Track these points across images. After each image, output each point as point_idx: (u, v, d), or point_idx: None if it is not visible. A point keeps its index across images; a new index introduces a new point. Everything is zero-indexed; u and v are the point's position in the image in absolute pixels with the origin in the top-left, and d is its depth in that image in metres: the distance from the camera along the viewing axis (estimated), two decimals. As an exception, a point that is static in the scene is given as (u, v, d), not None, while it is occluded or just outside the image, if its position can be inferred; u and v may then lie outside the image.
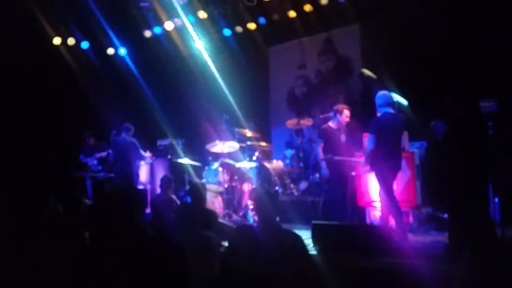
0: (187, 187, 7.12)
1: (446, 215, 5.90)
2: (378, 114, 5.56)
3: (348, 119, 6.43)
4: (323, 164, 6.30)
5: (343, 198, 6.31)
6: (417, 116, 6.78)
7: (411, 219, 6.11)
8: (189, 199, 6.99)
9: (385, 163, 5.33)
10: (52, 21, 9.24)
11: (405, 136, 6.23)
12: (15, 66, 8.70)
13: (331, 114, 6.55)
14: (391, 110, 5.52)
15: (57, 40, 9.72)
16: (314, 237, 5.10)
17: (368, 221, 6.37)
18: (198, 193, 4.74)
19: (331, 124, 6.49)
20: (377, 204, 5.94)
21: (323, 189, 6.62)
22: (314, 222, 5.29)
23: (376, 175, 5.47)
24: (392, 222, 5.54)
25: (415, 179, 6.11)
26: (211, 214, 4.47)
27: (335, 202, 6.25)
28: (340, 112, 6.41)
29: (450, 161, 5.10)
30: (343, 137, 6.43)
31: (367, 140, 5.49)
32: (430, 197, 6.24)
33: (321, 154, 6.34)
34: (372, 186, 6.16)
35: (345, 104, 8.68)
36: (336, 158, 6.10)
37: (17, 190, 6.57)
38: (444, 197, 5.84)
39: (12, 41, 8.55)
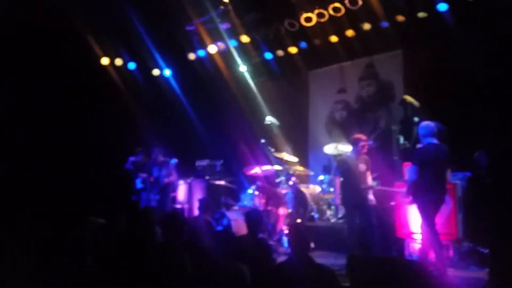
0: (225, 215, 7.17)
1: (487, 250, 5.68)
2: (420, 145, 5.46)
3: (365, 150, 6.45)
4: (337, 194, 6.49)
5: (381, 229, 6.19)
6: (459, 146, 6.62)
7: (451, 252, 5.90)
8: (225, 222, 7.08)
9: (428, 195, 5.20)
10: (101, 42, 9.64)
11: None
12: (64, 85, 9.10)
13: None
14: (434, 141, 5.40)
15: (105, 61, 10.12)
16: (349, 269, 4.99)
17: (407, 253, 6.19)
18: (254, 221, 4.71)
19: (349, 154, 6.54)
20: (417, 236, 5.79)
21: (360, 218, 6.51)
22: (350, 253, 5.18)
23: (418, 207, 5.34)
24: (432, 255, 5.38)
25: (457, 212, 5.91)
26: (266, 245, 4.47)
27: (373, 233, 6.13)
28: (356, 143, 6.42)
29: (494, 195, 4.94)
30: (362, 167, 6.40)
31: (409, 170, 5.39)
32: (471, 231, 6.02)
33: (337, 185, 6.47)
34: (412, 217, 6.00)
35: (385, 130, 8.64)
36: (377, 188, 6.01)
37: (64, 207, 6.82)
38: (486, 232, 5.65)
39: (62, 60, 8.97)
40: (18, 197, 7.56)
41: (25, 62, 8.49)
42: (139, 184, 8.36)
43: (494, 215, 5.03)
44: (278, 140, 8.80)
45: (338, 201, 6.65)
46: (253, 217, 4.76)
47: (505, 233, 4.64)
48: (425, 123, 5.52)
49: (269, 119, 8.54)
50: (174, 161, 8.26)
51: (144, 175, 8.36)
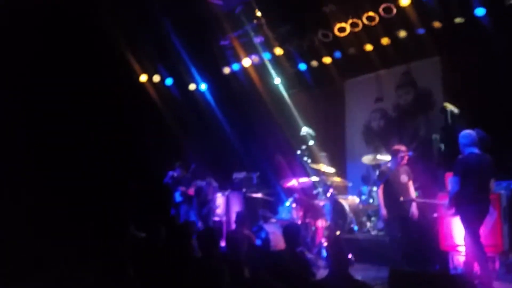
0: (263, 228, 7.17)
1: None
2: (462, 155, 5.30)
3: (405, 161, 6.38)
4: (382, 206, 6.35)
5: (424, 241, 6.03)
6: (503, 153, 6.39)
7: (497, 265, 5.66)
8: (263, 235, 7.08)
9: (472, 206, 5.04)
10: (140, 58, 9.92)
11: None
12: (103, 101, 9.39)
13: (410, 153, 6.36)
14: (476, 150, 5.23)
15: (143, 78, 10.39)
16: (391, 284, 4.88)
17: (451, 266, 6.00)
18: (293, 235, 4.69)
19: (389, 165, 6.49)
20: (461, 249, 5.60)
21: (402, 230, 6.36)
22: (392, 267, 5.07)
23: (461, 219, 5.18)
24: (477, 268, 5.19)
25: (502, 223, 5.68)
26: (304, 260, 4.45)
27: (415, 245, 5.98)
28: (396, 154, 6.38)
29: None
30: (403, 178, 6.35)
31: (451, 181, 5.23)
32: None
33: (380, 196, 6.36)
34: (456, 230, 5.81)
35: (425, 139, 8.44)
36: (418, 200, 5.88)
37: (107, 220, 7.01)
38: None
39: (102, 77, 9.27)
40: (63, 210, 7.85)
41: (67, 81, 8.82)
42: (178, 197, 8.51)
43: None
44: (315, 151, 8.76)
45: (383, 212, 6.47)
46: (291, 231, 4.74)
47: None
48: (466, 132, 5.35)
49: (305, 130, 8.52)
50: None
51: (183, 188, 8.50)
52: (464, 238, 5.27)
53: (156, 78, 10.49)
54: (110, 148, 9.59)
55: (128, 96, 9.93)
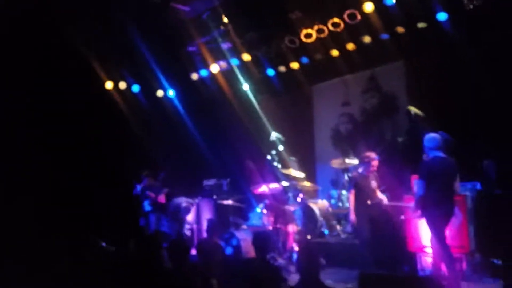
0: (234, 235, 7.15)
1: (500, 262, 5.60)
2: (427, 158, 5.41)
3: (375, 168, 6.61)
4: (351, 211, 6.59)
5: (392, 244, 6.14)
6: (467, 155, 6.57)
7: (464, 265, 5.81)
8: (234, 242, 7.05)
9: (437, 209, 5.15)
10: (105, 66, 9.73)
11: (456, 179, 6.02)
12: (68, 110, 9.16)
13: (376, 158, 6.49)
14: (441, 154, 5.36)
15: (109, 85, 10.20)
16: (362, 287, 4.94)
17: (419, 267, 6.12)
18: (263, 243, 4.68)
19: (360, 170, 6.66)
20: (429, 250, 5.72)
21: (371, 233, 6.46)
22: (361, 272, 5.13)
23: (428, 221, 5.29)
24: (444, 269, 5.31)
25: (468, 224, 5.84)
26: (275, 268, 4.44)
27: (384, 248, 6.08)
28: (366, 161, 6.63)
29: (504, 206, 4.88)
30: (373, 184, 6.59)
31: (417, 185, 5.34)
32: (484, 243, 5.93)
33: (351, 201, 6.58)
34: (423, 231, 5.94)
35: (391, 142, 8.61)
36: (385, 203, 5.99)
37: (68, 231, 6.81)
38: (499, 243, 5.58)
39: (66, 85, 9.04)
40: (27, 224, 7.60)
41: (29, 88, 8.56)
42: (147, 206, 8.39)
43: (505, 226, 4.97)
44: (285, 156, 8.80)
45: (352, 217, 6.63)
46: (260, 239, 4.73)
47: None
48: (431, 135, 5.47)
49: (274, 135, 8.55)
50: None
51: (152, 195, 8.39)
52: (431, 240, 5.39)
53: (122, 85, 10.32)
54: (75, 157, 9.36)
55: (94, 104, 9.72)
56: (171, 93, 10.62)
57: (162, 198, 8.65)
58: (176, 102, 10.62)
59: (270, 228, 7.47)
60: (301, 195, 7.86)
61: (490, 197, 5.88)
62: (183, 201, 8.45)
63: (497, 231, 5.46)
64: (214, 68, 9.72)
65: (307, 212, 7.77)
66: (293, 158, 8.75)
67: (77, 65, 8.99)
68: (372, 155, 6.62)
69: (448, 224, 5.29)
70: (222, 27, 8.88)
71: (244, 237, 7.24)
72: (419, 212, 5.37)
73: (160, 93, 10.63)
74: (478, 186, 6.51)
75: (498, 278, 5.27)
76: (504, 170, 6.24)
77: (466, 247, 5.78)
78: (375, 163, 6.53)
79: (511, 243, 5.29)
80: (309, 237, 7.59)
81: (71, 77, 8.98)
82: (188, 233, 8.50)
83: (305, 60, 9.18)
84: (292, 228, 7.61)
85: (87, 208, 9.06)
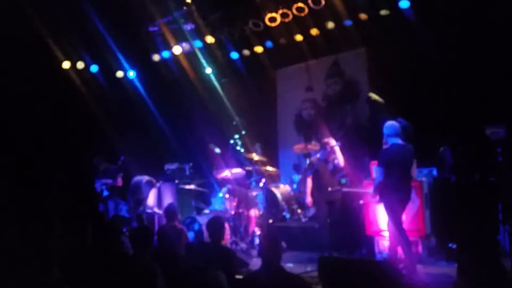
0: (196, 220, 7.11)
1: (455, 245, 5.83)
2: (386, 145, 5.52)
3: (334, 154, 6.73)
4: (308, 194, 6.82)
5: (351, 227, 6.27)
6: (424, 142, 6.75)
7: (420, 248, 6.02)
8: (196, 227, 7.02)
9: (395, 195, 5.29)
10: (62, 45, 9.35)
11: (413, 165, 6.18)
12: (24, 91, 8.79)
13: (338, 143, 6.57)
14: (399, 141, 5.47)
15: (66, 64, 9.83)
16: (320, 271, 5.02)
17: (377, 250, 6.29)
18: (217, 229, 4.66)
19: (319, 156, 6.80)
20: (386, 234, 5.88)
21: (330, 217, 6.57)
22: (321, 256, 5.22)
23: (385, 206, 5.42)
24: (401, 252, 5.47)
25: (424, 208, 6.04)
26: (229, 253, 4.43)
27: (343, 231, 6.21)
28: (325, 146, 6.75)
29: (458, 193, 5.06)
30: (330, 166, 6.72)
31: (376, 171, 5.45)
32: (439, 227, 6.16)
33: (309, 186, 6.77)
34: (380, 215, 6.09)
35: (352, 128, 8.74)
36: (345, 189, 6.08)
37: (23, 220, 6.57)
38: (453, 227, 5.79)
39: (22, 65, 8.66)
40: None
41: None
42: (104, 192, 8.20)
43: (459, 212, 5.15)
44: (247, 141, 8.78)
45: (308, 200, 6.76)
46: (212, 225, 4.71)
47: (470, 230, 4.76)
48: (390, 123, 5.58)
49: (237, 120, 8.51)
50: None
51: (109, 181, 8.19)
52: (388, 224, 5.53)
53: (80, 65, 9.97)
54: (31, 140, 9.02)
55: (50, 84, 9.36)
56: (131, 74, 10.33)
57: (119, 182, 8.46)
58: (137, 83, 10.35)
59: (233, 212, 7.48)
60: (263, 180, 7.88)
61: (446, 183, 6.07)
62: (144, 177, 8.26)
63: (452, 216, 5.65)
64: (177, 49, 9.50)
65: (269, 197, 7.81)
66: (257, 144, 8.75)
67: (33, 44, 8.61)
68: (331, 141, 6.68)
69: (405, 209, 5.45)
70: (184, 8, 8.66)
71: (205, 222, 7.21)
72: (377, 197, 5.50)
73: (120, 73, 10.32)
74: (435, 172, 6.73)
75: (453, 261, 5.48)
76: (459, 156, 6.45)
77: (422, 231, 5.98)
78: (334, 149, 6.60)
79: (465, 228, 5.49)
80: (271, 221, 7.65)
81: (26, 57, 8.60)
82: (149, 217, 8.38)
83: (269, 44, 9.11)
84: (254, 212, 7.64)
85: (43, 193, 8.78)
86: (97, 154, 8.99)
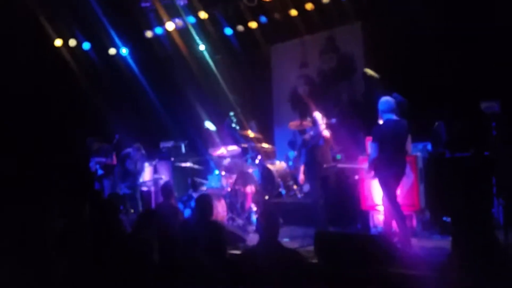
0: (193, 197, 7.14)
1: (449, 219, 5.90)
2: (381, 121, 5.52)
3: (324, 126, 6.49)
4: (300, 171, 6.61)
5: (346, 202, 6.33)
6: (419, 116, 6.76)
7: (414, 222, 6.08)
8: (193, 204, 7.05)
9: (389, 170, 5.31)
10: (54, 23, 9.22)
11: (408, 139, 6.20)
12: (16, 69, 8.70)
13: (333, 120, 6.55)
14: (394, 117, 5.48)
15: (58, 42, 9.70)
16: (317, 246, 5.10)
17: (372, 224, 6.36)
18: (205, 206, 4.69)
19: (311, 133, 6.61)
20: (381, 208, 5.94)
21: (325, 192, 6.62)
22: (317, 230, 5.29)
23: (380, 182, 5.45)
24: (395, 227, 5.54)
25: (419, 183, 6.08)
26: (218, 228, 4.45)
27: (338, 206, 6.27)
28: (316, 123, 6.53)
29: (452, 168, 5.09)
30: (321, 142, 6.48)
31: (370, 147, 5.47)
32: (433, 201, 6.22)
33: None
34: (375, 190, 6.14)
35: (348, 104, 8.72)
36: (340, 165, 6.10)
37: (19, 201, 6.59)
38: (447, 200, 5.86)
39: (13, 43, 8.54)
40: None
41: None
42: (99, 170, 8.19)
43: (454, 186, 5.21)
44: (242, 118, 8.76)
45: (301, 178, 6.71)
46: (199, 202, 4.73)
47: (465, 204, 4.81)
48: (384, 98, 5.57)
49: (231, 97, 8.47)
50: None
51: (103, 159, 8.18)
52: (382, 199, 5.58)
53: (72, 42, 9.84)
54: (25, 119, 8.96)
55: (43, 62, 9.26)
56: (124, 51, 10.22)
57: (114, 160, 8.44)
58: (130, 60, 10.25)
59: (229, 189, 7.52)
60: (259, 157, 7.91)
61: (440, 158, 6.11)
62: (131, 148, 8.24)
63: (446, 191, 5.71)
64: (170, 25, 9.39)
65: (265, 174, 7.85)
66: (252, 121, 8.74)
67: (24, 22, 8.47)
68: (319, 117, 6.61)
69: (399, 184, 5.49)
70: (177, -18, 8.54)
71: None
72: (372, 173, 5.53)
73: (112, 51, 10.21)
74: (429, 146, 6.77)
75: (447, 235, 5.55)
76: (454, 131, 6.48)
77: (416, 205, 6.03)
78: (325, 125, 6.52)
79: (460, 202, 5.55)
80: (267, 197, 7.70)
81: (18, 34, 8.48)
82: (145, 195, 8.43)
83: (263, 19, 9.02)
84: (250, 189, 7.68)
85: (39, 174, 8.78)
86: (91, 134, 8.94)
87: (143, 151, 8.12)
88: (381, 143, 5.30)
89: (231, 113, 8.10)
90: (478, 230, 4.60)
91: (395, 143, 5.35)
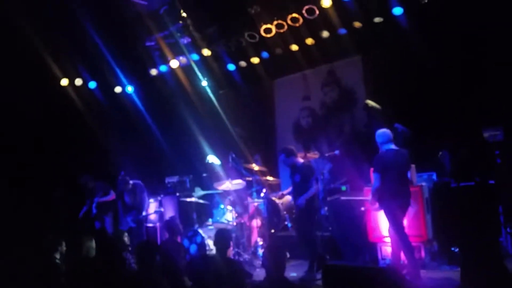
0: (198, 233, 7.12)
1: (457, 249, 5.84)
2: (380, 152, 5.57)
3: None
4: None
5: (352, 235, 6.29)
6: (423, 146, 6.80)
7: (423, 253, 6.03)
8: (199, 239, 7.01)
9: (393, 200, 5.32)
10: (59, 62, 9.42)
11: (412, 170, 6.22)
12: (23, 109, 8.85)
13: (336, 152, 6.59)
14: (393, 146, 5.52)
15: (64, 81, 9.89)
16: (324, 280, 5.03)
17: (380, 257, 6.30)
18: (224, 241, 4.70)
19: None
20: (388, 240, 5.89)
21: (331, 225, 6.60)
22: (324, 264, 5.24)
23: (385, 212, 5.45)
24: (404, 258, 5.49)
25: (425, 213, 6.05)
26: (236, 264, 4.46)
27: (344, 239, 6.22)
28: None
29: (458, 198, 5.08)
30: (297, 177, 6.47)
31: (373, 178, 5.49)
32: (441, 231, 6.17)
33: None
34: (382, 222, 6.11)
35: (351, 135, 8.77)
36: (344, 198, 6.10)
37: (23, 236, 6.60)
38: (455, 230, 5.82)
39: (21, 83, 8.72)
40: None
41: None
42: (94, 210, 8.19)
43: (460, 215, 5.18)
44: (246, 151, 8.82)
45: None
46: (220, 237, 4.73)
47: (472, 233, 4.78)
48: (381, 131, 5.64)
49: (235, 130, 8.53)
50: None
51: (102, 199, 8.22)
52: (389, 230, 5.55)
53: (78, 81, 10.03)
54: (33, 156, 9.06)
55: (49, 101, 9.43)
56: (129, 89, 10.40)
57: (112, 196, 8.42)
58: (135, 98, 10.41)
59: (234, 223, 7.48)
60: (264, 190, 7.90)
61: (446, 188, 6.10)
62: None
63: (453, 220, 5.68)
64: (174, 63, 9.59)
65: (271, 207, 7.81)
66: (256, 154, 8.79)
67: (31, 61, 8.68)
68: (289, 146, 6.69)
69: (405, 214, 5.47)
70: (180, 22, 8.76)
71: (208, 234, 7.23)
72: (376, 204, 5.53)
73: (118, 89, 10.40)
74: (434, 176, 6.77)
75: (456, 265, 5.49)
76: (458, 160, 6.49)
77: (424, 236, 5.99)
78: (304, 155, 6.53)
79: (467, 231, 5.51)
80: (273, 231, 7.66)
81: (25, 74, 8.67)
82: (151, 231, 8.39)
83: (265, 54, 9.18)
84: (256, 222, 7.65)
85: (46, 206, 8.81)
86: (97, 171, 8.99)
87: (131, 182, 8.05)
88: (383, 173, 5.33)
89: (233, 155, 8.07)
90: (486, 260, 4.55)
91: (397, 173, 5.38)
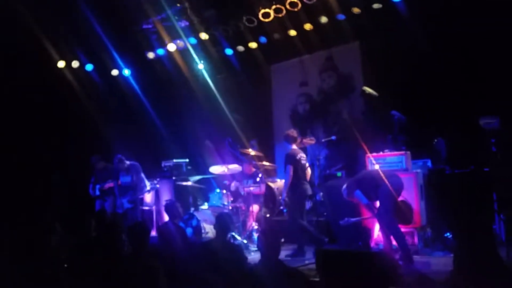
0: (194, 216, 7.16)
1: (450, 235, 5.91)
2: None
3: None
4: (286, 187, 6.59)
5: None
6: (419, 133, 6.83)
7: (416, 239, 6.09)
8: (194, 223, 7.06)
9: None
10: (57, 44, 9.35)
11: (407, 157, 6.27)
12: (20, 91, 8.82)
13: (333, 138, 6.61)
14: None
15: (61, 64, 9.83)
16: (318, 263, 5.09)
17: (373, 242, 6.36)
18: (225, 225, 4.74)
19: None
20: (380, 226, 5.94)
21: (326, 210, 6.65)
22: (318, 248, 5.30)
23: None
24: (396, 243, 5.55)
25: (419, 200, 6.10)
26: (237, 249, 4.51)
27: (338, 225, 6.28)
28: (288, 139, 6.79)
29: (453, 185, 5.12)
30: (304, 161, 6.68)
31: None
32: (434, 217, 6.23)
33: (290, 178, 6.55)
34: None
35: (348, 120, 8.79)
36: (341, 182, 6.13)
37: (21, 218, 6.62)
38: (448, 217, 5.88)
39: (17, 65, 8.67)
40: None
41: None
42: (97, 191, 8.24)
43: (454, 202, 5.23)
44: (243, 136, 8.83)
45: (284, 194, 6.75)
46: (222, 220, 4.78)
47: (466, 220, 4.82)
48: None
49: (233, 115, 8.52)
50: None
51: (108, 183, 8.25)
52: (381, 215, 5.61)
53: (75, 64, 9.97)
54: (30, 139, 9.05)
55: (46, 84, 9.38)
56: (126, 72, 10.35)
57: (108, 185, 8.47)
58: (132, 81, 10.37)
59: (230, 207, 7.53)
60: (260, 175, 7.94)
61: (440, 175, 6.15)
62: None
63: (447, 207, 5.74)
64: (171, 47, 9.53)
65: (267, 192, 7.87)
66: (253, 139, 8.81)
67: (28, 44, 8.61)
68: (293, 133, 6.78)
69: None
70: (178, 5, 8.69)
71: (204, 218, 7.28)
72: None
73: (115, 72, 10.34)
74: (429, 163, 6.81)
75: (449, 251, 5.56)
76: (454, 147, 6.54)
77: (417, 222, 6.04)
78: (300, 140, 6.61)
79: (461, 218, 5.57)
80: (268, 215, 7.71)
81: (22, 57, 8.61)
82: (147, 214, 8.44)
83: (263, 39, 9.14)
84: (251, 207, 7.70)
85: (44, 191, 8.83)
86: (93, 153, 8.98)
87: (127, 163, 8.11)
88: None
89: (230, 139, 8.09)
90: (480, 246, 4.61)
91: None
